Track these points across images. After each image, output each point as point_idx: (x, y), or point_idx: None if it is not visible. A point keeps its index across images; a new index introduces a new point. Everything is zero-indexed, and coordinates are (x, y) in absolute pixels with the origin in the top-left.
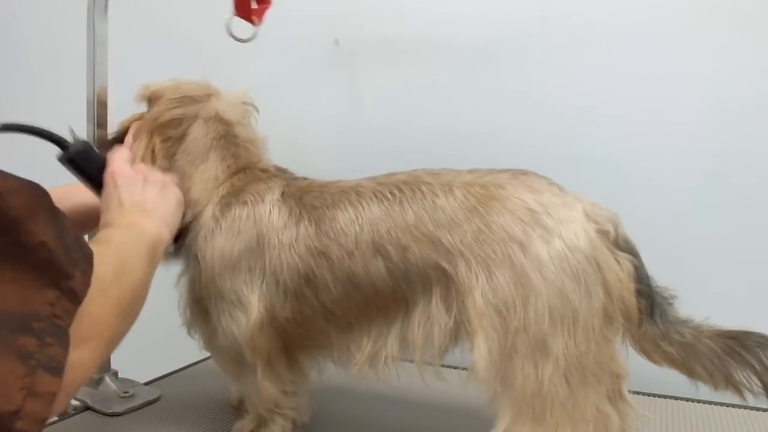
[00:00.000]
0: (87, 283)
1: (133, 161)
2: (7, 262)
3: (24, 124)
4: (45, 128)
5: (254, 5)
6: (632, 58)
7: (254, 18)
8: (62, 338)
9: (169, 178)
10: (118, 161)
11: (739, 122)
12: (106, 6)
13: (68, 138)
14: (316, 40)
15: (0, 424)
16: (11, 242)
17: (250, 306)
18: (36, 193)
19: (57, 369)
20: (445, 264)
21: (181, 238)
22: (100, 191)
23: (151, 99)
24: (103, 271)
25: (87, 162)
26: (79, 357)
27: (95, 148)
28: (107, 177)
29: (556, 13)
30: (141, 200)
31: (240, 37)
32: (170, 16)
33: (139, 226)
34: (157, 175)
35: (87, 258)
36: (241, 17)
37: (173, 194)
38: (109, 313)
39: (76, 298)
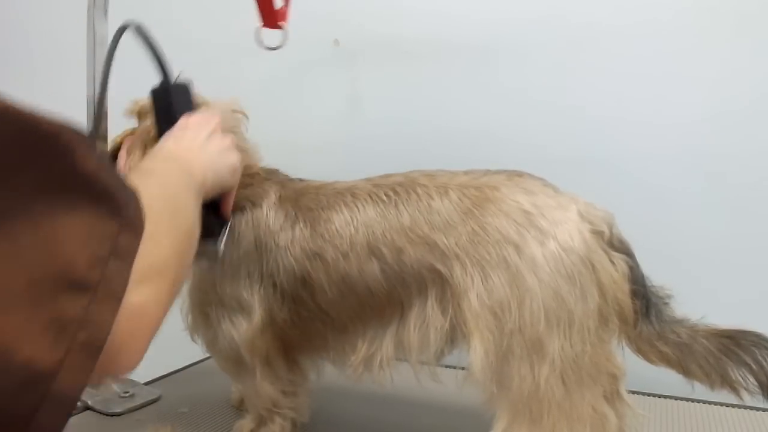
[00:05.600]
0: (141, 218)
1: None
2: (64, 192)
3: (152, 40)
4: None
5: (279, 4)
6: (631, 58)
7: (280, 23)
8: (122, 277)
9: (233, 145)
10: (203, 116)
11: (738, 123)
12: (106, 6)
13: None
14: (316, 40)
15: (32, 388)
16: (66, 170)
17: (252, 310)
18: (78, 129)
19: (107, 322)
20: (440, 266)
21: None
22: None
23: (141, 113)
24: (152, 206)
25: (180, 100)
26: (144, 298)
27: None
28: (183, 118)
29: (556, 14)
30: (200, 146)
31: (271, 45)
32: (170, 16)
33: (186, 162)
34: (226, 138)
35: (134, 193)
36: (269, 27)
37: (233, 158)
38: (165, 250)
39: (136, 230)
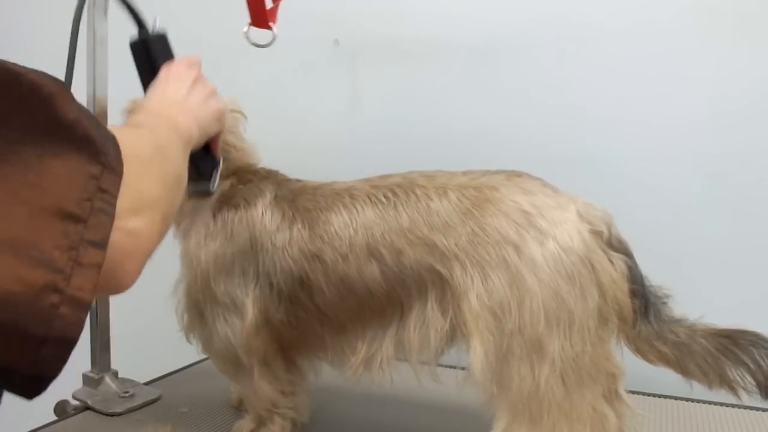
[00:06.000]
0: (120, 161)
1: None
2: (48, 138)
3: None
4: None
5: (269, 4)
6: (631, 58)
7: (270, 23)
8: (108, 212)
9: (215, 90)
10: (184, 61)
11: (738, 123)
12: (106, 6)
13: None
14: (316, 40)
15: (48, 294)
16: (49, 119)
17: (245, 309)
18: (59, 80)
19: (102, 243)
20: (440, 267)
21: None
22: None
23: None
24: (142, 151)
25: (159, 51)
26: (137, 225)
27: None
28: (164, 68)
29: (556, 14)
30: (183, 98)
31: (260, 43)
32: (170, 16)
33: (172, 119)
34: (207, 85)
35: (113, 139)
36: (258, 26)
37: (216, 104)
38: (155, 187)
39: (116, 172)
